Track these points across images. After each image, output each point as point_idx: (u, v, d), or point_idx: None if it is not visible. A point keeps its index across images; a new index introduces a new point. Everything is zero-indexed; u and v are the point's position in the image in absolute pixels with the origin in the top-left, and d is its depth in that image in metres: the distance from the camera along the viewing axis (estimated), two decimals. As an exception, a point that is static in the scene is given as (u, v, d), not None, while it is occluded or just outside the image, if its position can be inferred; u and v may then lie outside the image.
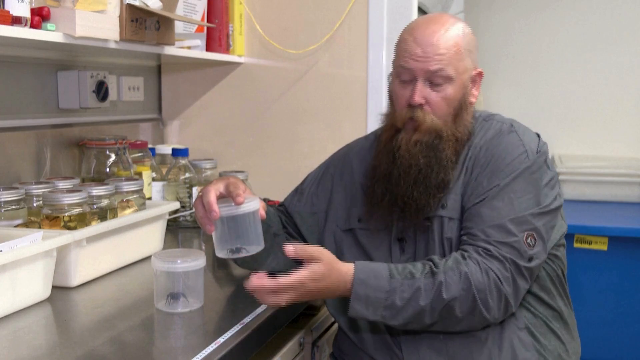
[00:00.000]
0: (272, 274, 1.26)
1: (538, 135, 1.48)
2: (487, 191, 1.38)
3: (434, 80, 1.40)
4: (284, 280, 1.23)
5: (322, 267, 1.26)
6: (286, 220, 1.63)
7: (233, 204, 1.31)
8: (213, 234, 1.34)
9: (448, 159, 1.41)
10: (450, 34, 1.41)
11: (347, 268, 1.30)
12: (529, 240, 1.33)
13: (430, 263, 1.32)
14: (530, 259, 1.33)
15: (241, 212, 1.31)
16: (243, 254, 1.33)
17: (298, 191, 1.66)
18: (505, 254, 1.31)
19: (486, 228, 1.34)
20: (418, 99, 1.40)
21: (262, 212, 1.36)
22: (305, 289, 1.25)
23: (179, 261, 1.32)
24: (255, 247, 1.34)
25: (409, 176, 1.41)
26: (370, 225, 1.49)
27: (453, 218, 1.40)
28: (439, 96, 1.40)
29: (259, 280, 1.23)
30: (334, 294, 1.31)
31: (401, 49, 1.44)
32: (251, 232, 1.33)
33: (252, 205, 1.32)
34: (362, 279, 1.28)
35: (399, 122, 1.43)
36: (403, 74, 1.43)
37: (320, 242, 1.57)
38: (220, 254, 1.34)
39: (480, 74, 1.47)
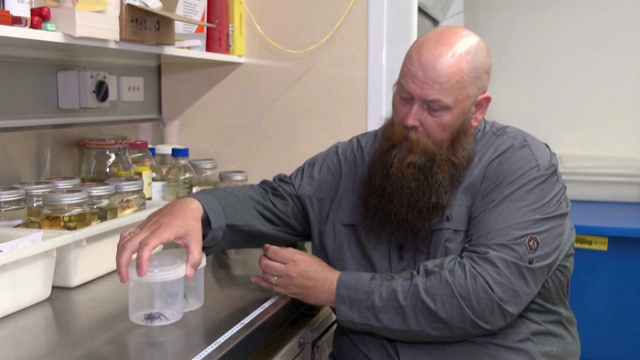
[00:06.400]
0: None
1: (548, 148, 1.45)
2: (493, 200, 1.36)
3: (431, 106, 1.36)
4: (278, 248, 1.39)
5: (310, 256, 1.41)
6: (282, 203, 1.57)
7: (166, 261, 1.28)
8: (129, 293, 1.28)
9: (440, 183, 1.38)
10: (457, 59, 1.34)
11: (334, 269, 1.41)
12: (531, 243, 1.32)
13: (413, 270, 1.36)
14: (531, 261, 1.31)
15: (150, 280, 1.24)
16: (162, 322, 1.26)
17: (308, 174, 1.61)
18: (504, 256, 1.30)
19: (487, 232, 1.33)
20: (412, 122, 1.37)
21: (190, 273, 1.27)
22: (296, 267, 1.37)
23: (179, 262, 1.32)
24: (172, 313, 1.27)
25: (401, 197, 1.40)
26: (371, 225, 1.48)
27: (458, 230, 1.38)
28: (435, 121, 1.37)
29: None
30: (321, 289, 1.38)
31: (405, 65, 1.39)
32: (162, 300, 1.26)
33: (171, 274, 1.25)
34: (344, 282, 1.36)
35: (396, 138, 1.41)
36: (402, 92, 1.40)
37: (321, 231, 1.55)
38: (133, 317, 1.28)
39: (487, 99, 1.42)
